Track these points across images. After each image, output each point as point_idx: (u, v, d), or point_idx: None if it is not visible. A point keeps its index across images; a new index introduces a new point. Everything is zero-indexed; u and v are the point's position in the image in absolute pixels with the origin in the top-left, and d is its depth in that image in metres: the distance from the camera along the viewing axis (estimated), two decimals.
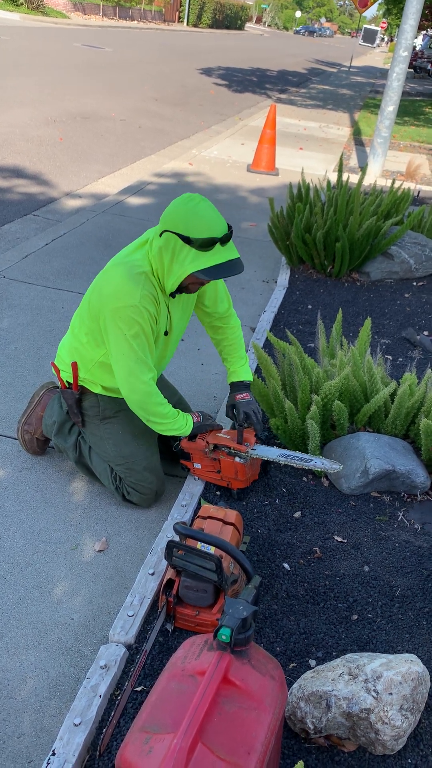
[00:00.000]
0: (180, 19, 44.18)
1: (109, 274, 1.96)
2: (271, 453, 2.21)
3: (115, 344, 1.95)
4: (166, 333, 2.09)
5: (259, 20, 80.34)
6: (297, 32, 77.81)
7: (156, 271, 1.93)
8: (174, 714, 1.21)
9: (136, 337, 1.93)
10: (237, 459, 2.20)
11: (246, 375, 2.34)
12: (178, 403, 2.41)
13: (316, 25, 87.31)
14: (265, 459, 2.22)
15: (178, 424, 2.12)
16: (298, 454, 2.22)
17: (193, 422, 2.19)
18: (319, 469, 2.18)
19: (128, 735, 1.21)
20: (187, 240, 1.80)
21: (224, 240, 1.83)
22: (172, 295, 1.99)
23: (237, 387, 2.32)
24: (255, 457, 2.21)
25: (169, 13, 42.62)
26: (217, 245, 1.82)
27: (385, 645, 1.82)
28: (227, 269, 1.84)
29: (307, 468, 2.19)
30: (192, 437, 2.24)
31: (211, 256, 1.83)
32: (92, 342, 2.07)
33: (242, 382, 2.33)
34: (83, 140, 7.81)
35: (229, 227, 1.86)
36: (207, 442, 2.22)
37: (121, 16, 36.11)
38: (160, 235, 1.86)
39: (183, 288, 1.97)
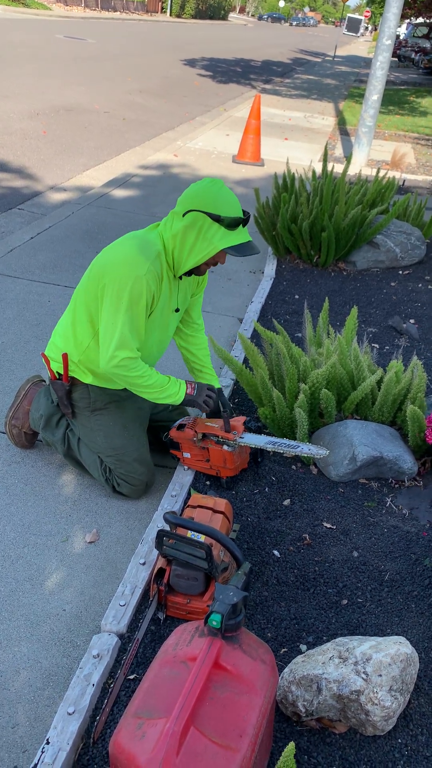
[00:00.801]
0: (163, 10, 43.86)
1: (119, 245, 1.99)
2: (259, 441, 2.22)
3: (108, 309, 1.96)
4: (176, 310, 2.16)
5: (242, 10, 79.96)
6: (261, 18, 76.15)
7: (172, 250, 1.98)
8: (166, 699, 1.22)
9: (130, 307, 1.94)
10: (225, 447, 2.21)
11: (218, 383, 2.41)
12: None
13: (299, 15, 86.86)
14: (253, 447, 2.23)
15: (167, 392, 2.12)
16: (285, 441, 2.23)
17: (186, 393, 2.18)
18: (306, 455, 2.20)
19: (121, 721, 1.22)
20: (216, 218, 1.89)
21: (245, 222, 1.95)
22: (180, 277, 2.06)
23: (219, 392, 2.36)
24: (243, 444, 2.22)
25: (151, 4, 42.29)
26: (240, 226, 1.93)
27: (374, 629, 1.84)
28: (252, 248, 1.96)
29: (294, 454, 2.21)
30: (181, 426, 2.26)
31: (237, 235, 1.94)
32: (87, 319, 2.06)
33: (221, 389, 2.37)
34: (67, 133, 7.76)
35: (245, 212, 1.96)
36: (195, 431, 2.23)
37: (104, 7, 35.80)
38: (183, 215, 1.92)
39: (194, 270, 2.04)
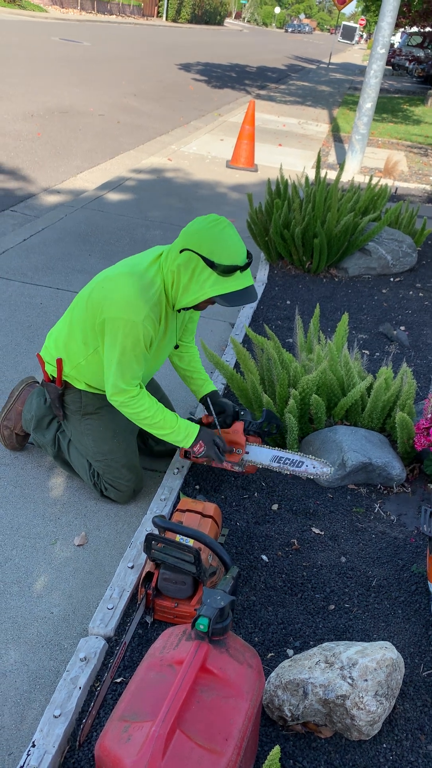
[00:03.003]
0: (159, 14, 43.96)
1: (121, 281, 1.92)
2: (264, 458, 2.23)
3: (109, 350, 1.96)
4: (176, 347, 2.18)
5: (238, 16, 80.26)
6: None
7: (169, 286, 1.94)
8: (153, 703, 1.22)
9: (125, 352, 1.93)
10: (235, 468, 2.24)
11: (212, 386, 2.38)
12: (161, 399, 2.42)
13: (295, 22, 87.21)
14: (259, 466, 2.25)
15: (174, 437, 2.11)
16: (289, 455, 2.23)
17: (192, 450, 2.15)
18: (310, 476, 2.21)
19: (107, 724, 1.22)
20: (210, 264, 1.81)
21: (244, 268, 1.85)
22: (179, 310, 2.00)
23: (215, 394, 2.36)
24: (250, 464, 2.24)
25: (147, 8, 42.39)
26: (237, 272, 1.84)
27: (361, 634, 1.85)
28: (244, 297, 1.87)
29: (298, 474, 2.22)
30: (186, 452, 2.29)
31: (232, 282, 1.85)
32: (82, 340, 2.05)
33: (216, 391, 2.37)
34: (61, 135, 7.76)
35: (249, 255, 1.87)
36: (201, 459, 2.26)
37: (100, 10, 35.85)
38: (180, 251, 1.85)
39: (193, 306, 1.98)
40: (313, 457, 2.22)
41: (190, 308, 1.98)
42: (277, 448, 2.32)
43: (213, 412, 2.26)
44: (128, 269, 1.96)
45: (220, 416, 2.28)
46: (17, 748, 1.51)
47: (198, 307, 1.99)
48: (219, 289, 1.85)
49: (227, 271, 1.82)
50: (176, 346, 2.23)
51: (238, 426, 2.25)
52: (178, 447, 2.36)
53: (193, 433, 2.13)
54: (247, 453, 2.24)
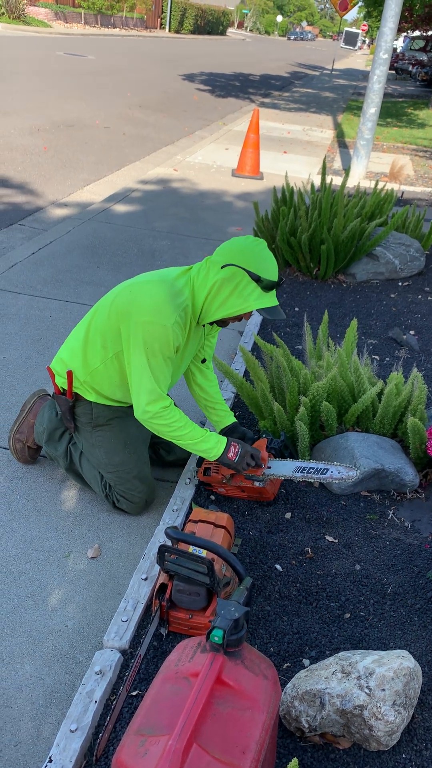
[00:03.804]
0: (162, 26, 44.32)
1: (150, 287, 1.97)
2: (287, 470, 2.23)
3: (137, 356, 1.97)
4: (196, 357, 2.21)
5: (240, 25, 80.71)
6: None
7: (203, 299, 1.99)
8: (169, 716, 1.22)
9: (155, 355, 1.95)
10: (256, 483, 2.22)
11: (233, 418, 2.41)
12: None
13: (297, 29, 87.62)
14: (282, 478, 2.24)
15: (200, 447, 2.11)
16: (313, 464, 2.22)
17: (226, 456, 2.14)
18: (336, 480, 2.20)
19: (124, 738, 1.22)
20: (256, 279, 1.90)
21: (280, 285, 1.98)
22: (204, 325, 2.07)
23: (236, 426, 2.38)
24: (273, 477, 2.23)
25: (150, 20, 42.74)
26: (274, 289, 1.96)
27: (377, 642, 1.84)
28: (279, 312, 1.98)
29: (324, 481, 2.21)
30: (206, 470, 2.28)
31: (270, 297, 1.95)
32: (101, 344, 2.06)
33: (236, 423, 2.39)
34: (68, 148, 7.83)
35: (281, 277, 1.99)
36: (222, 475, 2.25)
37: (103, 24, 36.18)
38: (222, 266, 1.92)
39: (220, 322, 2.06)
40: (338, 463, 2.21)
41: (219, 322, 2.06)
42: (299, 459, 2.31)
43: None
44: (157, 277, 2.01)
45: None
46: (34, 763, 1.50)
47: (225, 322, 2.06)
48: (263, 303, 1.94)
49: (269, 287, 1.93)
50: (203, 360, 2.26)
51: (261, 443, 2.27)
52: (197, 468, 2.36)
53: (222, 441, 2.15)
54: (269, 467, 2.24)
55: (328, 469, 2.20)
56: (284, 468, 2.23)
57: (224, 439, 2.15)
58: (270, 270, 1.93)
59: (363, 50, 73.33)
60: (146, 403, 1.99)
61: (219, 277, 1.94)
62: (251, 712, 1.25)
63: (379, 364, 3.43)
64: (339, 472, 2.18)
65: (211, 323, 2.08)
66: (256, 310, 1.95)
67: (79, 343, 2.12)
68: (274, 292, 1.96)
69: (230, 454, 2.14)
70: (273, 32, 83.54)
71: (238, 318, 2.03)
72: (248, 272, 1.90)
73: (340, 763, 1.51)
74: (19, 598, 1.92)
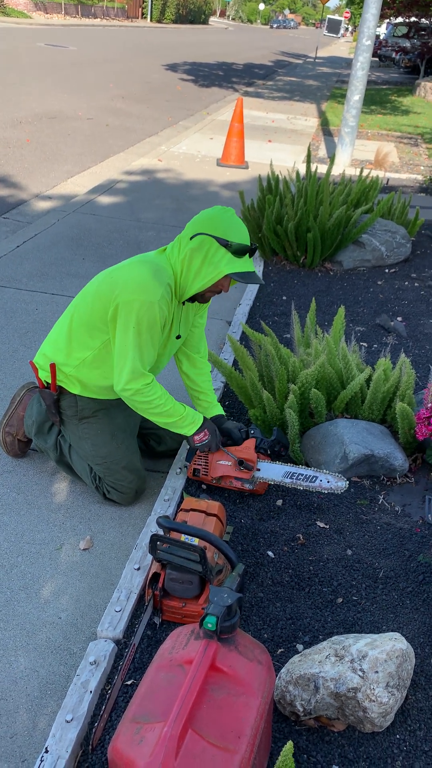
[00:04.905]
0: (143, 15, 43.93)
1: (132, 268, 1.98)
2: (276, 474, 2.23)
3: (123, 334, 1.96)
4: (178, 336, 2.17)
5: (222, 14, 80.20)
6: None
7: (178, 275, 1.98)
8: (164, 703, 1.22)
9: (142, 333, 1.94)
10: (245, 485, 2.23)
11: (220, 410, 2.41)
12: None
13: (279, 17, 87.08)
14: (271, 482, 2.24)
15: (180, 424, 2.12)
16: (302, 470, 2.23)
17: (193, 438, 2.17)
18: (325, 491, 2.21)
19: (119, 726, 1.22)
20: (224, 243, 1.90)
21: (251, 252, 1.95)
22: (184, 302, 2.06)
23: (220, 418, 2.38)
24: (262, 481, 2.23)
25: (132, 10, 42.36)
26: (246, 255, 1.94)
27: (370, 626, 1.85)
28: (255, 276, 1.97)
29: (312, 490, 2.22)
30: (195, 471, 2.28)
31: (243, 262, 1.94)
32: (88, 335, 2.05)
33: (222, 416, 2.38)
34: (50, 141, 7.76)
35: (253, 243, 1.97)
36: (211, 477, 2.26)
37: (84, 14, 35.82)
38: (191, 237, 1.92)
39: (198, 296, 2.04)
40: (327, 472, 2.22)
41: (198, 296, 2.04)
42: (289, 464, 2.31)
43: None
44: (137, 260, 2.01)
45: (227, 442, 2.32)
46: (30, 754, 1.51)
47: (205, 296, 2.05)
48: (233, 267, 1.92)
49: (240, 251, 1.91)
50: (178, 336, 2.20)
51: (250, 443, 2.26)
52: (186, 463, 2.35)
53: (198, 421, 2.16)
54: (258, 470, 2.24)
55: (317, 477, 2.21)
56: (273, 472, 2.24)
57: (199, 420, 2.17)
58: (238, 234, 1.91)
59: (346, 38, 73.05)
60: (126, 381, 1.99)
61: (188, 248, 1.94)
62: (246, 697, 1.25)
63: (367, 351, 3.44)
64: (328, 482, 2.19)
65: (192, 300, 2.07)
66: (231, 276, 1.93)
67: (63, 337, 2.11)
68: (247, 257, 1.94)
69: (198, 436, 2.18)
70: (255, 21, 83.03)
71: (217, 289, 2.02)
72: (216, 238, 1.89)
73: (335, 745, 1.52)
74: (11, 590, 1.92)
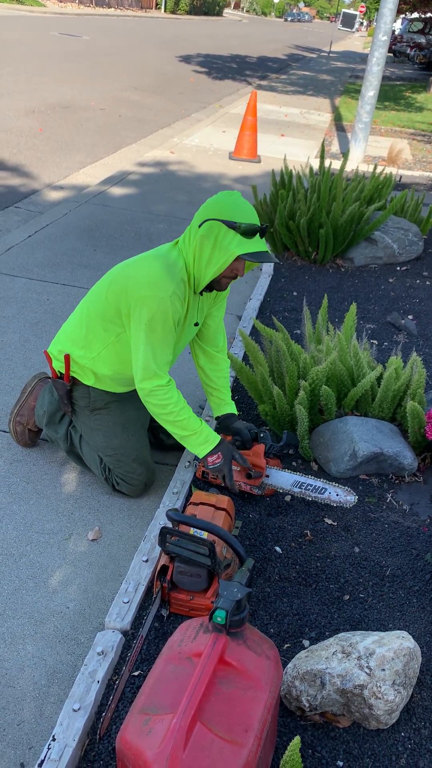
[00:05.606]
0: (157, 6, 43.71)
1: (145, 263, 1.97)
2: (285, 482, 2.23)
3: (136, 330, 1.96)
4: (196, 324, 2.15)
5: (237, 6, 79.67)
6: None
7: (191, 266, 1.97)
8: (172, 695, 1.23)
9: (153, 329, 1.94)
10: (254, 490, 2.22)
11: (233, 409, 2.39)
12: None
13: (294, 10, 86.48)
14: (279, 490, 2.24)
15: (194, 441, 2.10)
16: (311, 481, 2.22)
17: (207, 459, 2.13)
18: (334, 504, 2.21)
19: (128, 717, 1.23)
20: (232, 225, 1.87)
21: (262, 232, 1.92)
22: (201, 292, 2.04)
23: (230, 417, 2.36)
24: (270, 487, 2.23)
25: (146, 0, 42.15)
26: (257, 235, 1.91)
27: (376, 624, 1.85)
28: (268, 256, 1.94)
29: (320, 501, 2.22)
30: (204, 474, 2.27)
31: (254, 243, 1.91)
32: (103, 328, 2.05)
33: (234, 414, 2.37)
34: (63, 130, 7.75)
35: (263, 224, 1.91)
36: (220, 481, 2.25)
37: (98, 4, 35.67)
38: (200, 225, 1.90)
39: (215, 284, 2.01)
40: (336, 484, 2.22)
41: (215, 284, 2.01)
42: (299, 473, 2.30)
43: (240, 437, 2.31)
44: (151, 254, 2.00)
45: (236, 443, 2.30)
46: (37, 741, 1.52)
47: (221, 283, 2.01)
48: (245, 248, 1.89)
49: (249, 231, 1.88)
50: (196, 323, 2.18)
51: (259, 449, 2.25)
52: (196, 461, 2.35)
53: (213, 441, 2.12)
54: (268, 476, 2.24)
55: (326, 489, 2.21)
56: (283, 480, 2.24)
57: (214, 440, 2.12)
58: (246, 214, 1.89)
59: (361, 32, 72.52)
60: (140, 379, 1.99)
61: (198, 236, 1.92)
62: (254, 691, 1.26)
63: (378, 349, 3.43)
64: (337, 495, 2.19)
65: (210, 289, 2.04)
66: (243, 257, 1.90)
67: (78, 329, 2.11)
68: (258, 237, 1.91)
69: (211, 458, 2.13)
70: (270, 13, 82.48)
71: (232, 274, 1.99)
72: (223, 222, 1.87)
73: (341, 741, 1.53)
74: (20, 579, 1.93)
